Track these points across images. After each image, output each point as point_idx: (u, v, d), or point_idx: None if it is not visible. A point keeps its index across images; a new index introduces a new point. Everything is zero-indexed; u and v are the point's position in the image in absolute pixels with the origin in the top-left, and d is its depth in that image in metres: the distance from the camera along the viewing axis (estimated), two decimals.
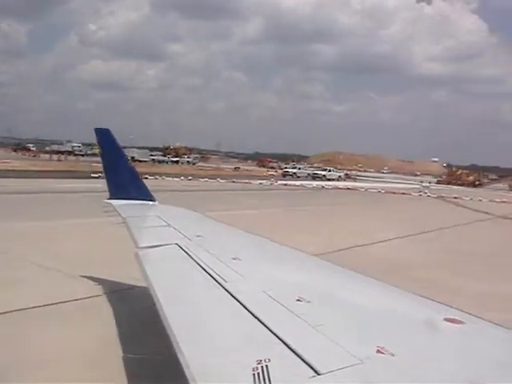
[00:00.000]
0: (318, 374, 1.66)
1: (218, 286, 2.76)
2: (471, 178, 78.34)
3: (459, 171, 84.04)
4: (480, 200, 35.12)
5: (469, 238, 15.66)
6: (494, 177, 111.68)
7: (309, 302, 2.39)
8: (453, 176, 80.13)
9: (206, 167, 58.54)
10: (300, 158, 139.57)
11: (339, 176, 58.39)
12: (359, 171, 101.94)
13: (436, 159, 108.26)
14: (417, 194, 37.48)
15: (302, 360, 1.76)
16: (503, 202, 35.47)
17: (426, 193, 38.42)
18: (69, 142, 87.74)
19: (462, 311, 2.35)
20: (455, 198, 35.61)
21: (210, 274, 2.99)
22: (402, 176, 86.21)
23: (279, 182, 39.46)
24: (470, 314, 2.35)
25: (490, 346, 2.04)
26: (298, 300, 2.39)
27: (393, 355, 1.76)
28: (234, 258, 3.30)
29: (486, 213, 25.27)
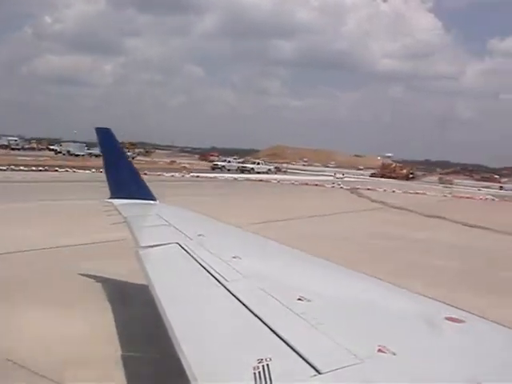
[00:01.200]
0: (319, 373, 1.66)
1: (219, 284, 2.77)
2: (404, 171, 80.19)
3: (393, 164, 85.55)
4: (393, 191, 36.56)
5: (329, 225, 15.99)
6: (442, 171, 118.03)
7: (309, 300, 2.39)
8: (387, 169, 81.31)
9: (142, 161, 59.21)
10: (249, 153, 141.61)
11: (268, 169, 58.54)
12: (303, 165, 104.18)
13: (390, 154, 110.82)
14: (330, 186, 38.35)
15: (303, 359, 1.76)
16: (416, 193, 36.85)
17: (339, 184, 39.54)
18: (9, 136, 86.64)
19: (462, 310, 2.35)
20: (368, 189, 36.63)
21: (210, 273, 2.99)
22: (343, 170, 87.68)
23: (191, 174, 39.63)
24: (470, 313, 2.35)
25: (491, 345, 2.04)
26: (299, 299, 2.39)
27: (394, 354, 1.76)
28: (234, 257, 3.30)
29: (382, 202, 26.26)
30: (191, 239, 4.00)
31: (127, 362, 4.56)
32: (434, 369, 1.74)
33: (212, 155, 70.39)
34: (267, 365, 1.72)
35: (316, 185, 38.29)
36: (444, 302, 2.51)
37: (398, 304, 2.64)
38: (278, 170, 61.77)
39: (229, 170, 53.65)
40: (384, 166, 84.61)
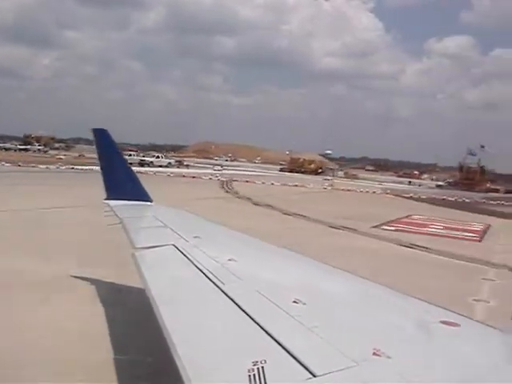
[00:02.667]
0: (314, 376, 1.66)
1: (214, 287, 2.76)
2: (312, 165, 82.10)
3: (301, 159, 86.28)
4: (272, 184, 38.33)
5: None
6: (370, 168, 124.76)
7: (305, 303, 2.39)
8: (295, 164, 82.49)
9: (55, 155, 59.62)
10: (179, 149, 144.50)
11: (169, 162, 59.16)
12: (226, 160, 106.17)
13: (329, 151, 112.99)
14: (207, 178, 39.04)
15: (298, 362, 1.76)
16: (295, 185, 38.38)
17: (216, 176, 40.32)
18: None
19: (457, 314, 2.36)
20: (246, 181, 38.05)
21: (206, 275, 2.99)
22: (266, 166, 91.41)
23: (66, 166, 39.37)
24: (465, 316, 2.35)
25: (485, 349, 2.05)
26: (295, 302, 2.39)
27: (389, 357, 1.76)
28: (230, 260, 3.29)
29: (235, 192, 27.56)
30: (187, 241, 3.99)
31: None
32: (428, 372, 1.74)
33: (130, 150, 70.76)
34: (262, 367, 1.72)
35: (193, 177, 39.05)
36: (440, 306, 2.51)
37: (394, 307, 2.64)
38: (180, 164, 62.42)
39: (131, 163, 53.01)
40: (292, 161, 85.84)
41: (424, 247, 12.75)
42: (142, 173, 37.26)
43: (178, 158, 70.70)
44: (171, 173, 41.26)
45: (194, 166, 61.61)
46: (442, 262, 11.35)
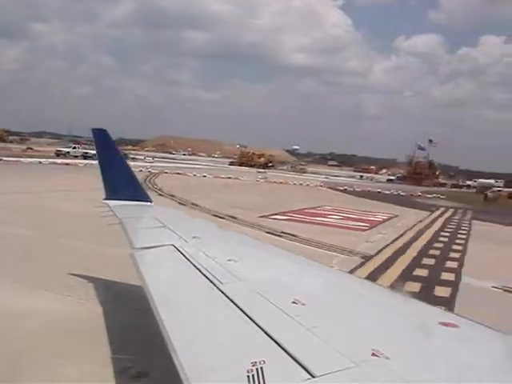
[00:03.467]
0: (313, 377, 1.66)
1: (214, 287, 2.76)
2: (262, 159, 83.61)
3: (250, 152, 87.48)
4: (204, 176, 39.32)
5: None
6: (333, 163, 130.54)
7: (304, 304, 2.39)
8: (245, 157, 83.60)
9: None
10: (138, 143, 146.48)
11: (94, 154, 58.67)
12: (184, 154, 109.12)
13: (297, 147, 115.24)
14: (137, 170, 38.55)
15: (297, 362, 1.76)
16: (228, 177, 40.07)
17: (147, 168, 40.37)
18: None
19: (457, 315, 2.36)
20: (177, 173, 38.83)
21: (205, 276, 2.99)
22: (216, 159, 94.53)
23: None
24: (464, 317, 2.35)
25: (485, 350, 2.04)
26: (294, 302, 2.39)
27: (388, 358, 1.76)
28: (229, 260, 3.29)
29: (153, 184, 27.15)
30: (186, 241, 3.99)
31: None
32: (427, 373, 1.74)
33: (84, 143, 71.23)
34: (261, 368, 1.72)
35: None
36: (439, 307, 2.52)
37: (393, 308, 2.64)
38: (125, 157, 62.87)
39: (76, 156, 53.16)
40: (242, 155, 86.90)
41: (292, 235, 12.81)
42: (71, 164, 38.47)
43: (125, 152, 70.47)
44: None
45: (139, 160, 61.41)
46: (294, 249, 10.90)
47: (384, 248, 12.20)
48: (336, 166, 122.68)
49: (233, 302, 2.47)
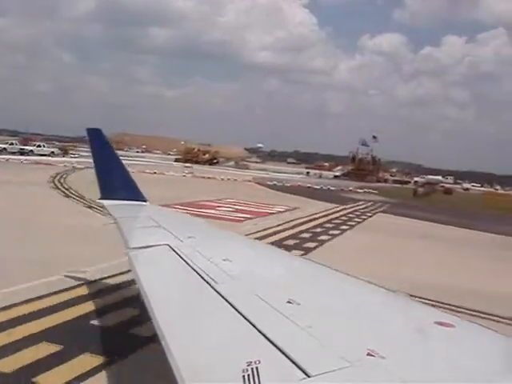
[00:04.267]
0: (309, 377, 1.65)
1: (209, 287, 2.75)
2: (206, 156, 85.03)
3: (195, 149, 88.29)
4: (132, 172, 38.73)
5: None
6: (292, 161, 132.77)
7: (299, 304, 2.38)
8: (190, 154, 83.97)
9: None
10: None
11: (52, 152, 59.72)
12: (137, 152, 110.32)
13: (261, 145, 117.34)
14: (62, 165, 39.57)
15: (293, 362, 1.75)
16: (153, 173, 39.56)
17: (72, 164, 40.94)
18: None
19: (452, 315, 2.36)
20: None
21: (200, 275, 2.98)
22: (166, 157, 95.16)
23: None
24: (460, 317, 2.35)
25: (480, 350, 2.05)
26: (289, 302, 2.38)
27: (383, 358, 1.76)
28: (224, 260, 3.28)
29: (60, 179, 27.19)
30: (182, 241, 3.98)
31: None
32: (423, 373, 1.74)
33: (35, 140, 71.20)
34: (256, 367, 1.71)
35: (49, 164, 39.67)
36: (434, 307, 2.52)
37: (388, 308, 2.64)
38: (65, 153, 63.20)
39: (13, 152, 53.29)
40: (186, 152, 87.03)
41: None
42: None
43: (66, 148, 70.43)
44: (35, 161, 41.70)
45: (82, 156, 61.20)
46: None
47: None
48: (295, 163, 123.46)
49: (228, 301, 2.46)
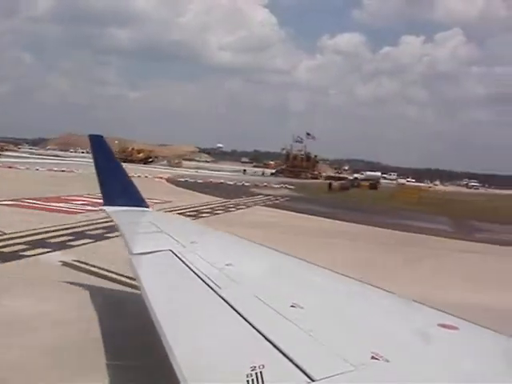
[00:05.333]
0: (313, 381, 1.65)
1: (212, 292, 2.75)
2: (141, 155, 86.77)
3: (129, 148, 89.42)
4: (37, 169, 39.12)
5: None
6: (246, 160, 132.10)
7: (302, 307, 2.38)
8: (124, 153, 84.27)
9: None
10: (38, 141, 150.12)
11: None
12: (82, 152, 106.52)
13: (221, 145, 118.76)
14: None
15: (297, 366, 1.75)
16: (62, 170, 40.19)
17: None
18: None
19: (456, 317, 2.35)
20: (9, 167, 38.60)
21: (203, 280, 2.98)
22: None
23: None
24: (463, 319, 2.35)
25: (484, 352, 2.04)
26: (292, 306, 2.38)
27: (387, 361, 1.75)
28: (227, 264, 3.28)
29: None
30: (184, 246, 3.98)
31: None
32: (427, 376, 1.73)
33: None
34: (260, 372, 1.71)
35: None
36: (438, 309, 2.51)
37: (392, 310, 2.63)
38: None
39: None
40: (122, 150, 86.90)
41: None
42: None
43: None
44: None
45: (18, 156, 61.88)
46: None
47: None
48: (248, 162, 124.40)
49: (231, 306, 2.46)
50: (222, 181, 44.10)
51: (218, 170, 71.48)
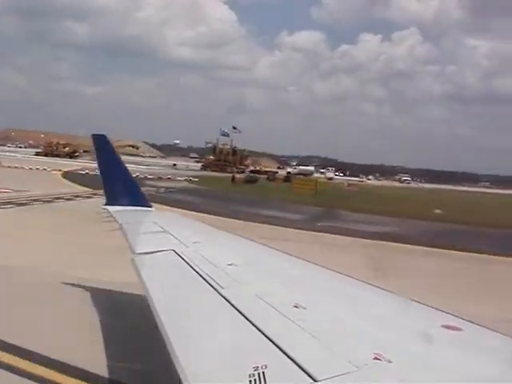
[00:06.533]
0: (316, 381, 1.65)
1: (214, 292, 2.75)
2: (67, 149, 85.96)
3: (54, 142, 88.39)
4: None
5: None
6: (194, 156, 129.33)
7: (305, 308, 2.38)
8: (50, 147, 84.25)
9: None
10: None
11: None
12: (23, 147, 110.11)
13: (178, 141, 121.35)
14: None
15: (299, 367, 1.75)
16: None
17: None
18: None
19: (459, 318, 2.34)
20: None
21: (206, 280, 2.98)
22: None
23: None
24: (467, 320, 2.34)
25: (488, 353, 2.03)
26: (295, 306, 2.38)
27: (390, 362, 1.75)
28: (230, 264, 3.28)
29: None
30: (187, 246, 3.98)
31: None
32: (430, 377, 1.73)
33: None
34: (263, 372, 1.71)
35: None
36: (441, 310, 2.50)
37: (394, 311, 2.63)
38: None
39: None
40: (47, 145, 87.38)
41: None
42: None
43: None
44: None
45: None
46: None
47: None
48: (197, 158, 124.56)
49: (234, 306, 2.46)
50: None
51: (149, 165, 69.51)
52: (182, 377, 1.77)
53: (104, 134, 6.88)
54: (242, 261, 3.63)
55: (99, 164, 6.81)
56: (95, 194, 23.38)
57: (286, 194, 33.92)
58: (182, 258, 3.58)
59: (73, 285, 7.99)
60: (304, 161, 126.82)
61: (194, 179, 44.27)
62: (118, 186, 6.58)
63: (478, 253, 15.04)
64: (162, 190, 31.05)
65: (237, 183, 45.22)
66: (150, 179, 39.83)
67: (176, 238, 4.34)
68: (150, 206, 6.53)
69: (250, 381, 1.66)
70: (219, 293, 2.71)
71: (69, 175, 37.50)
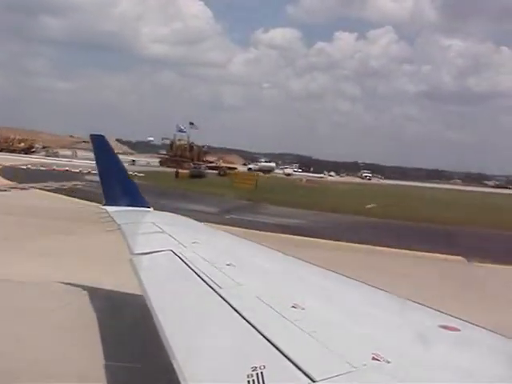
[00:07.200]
0: (314, 381, 1.65)
1: (213, 292, 2.75)
2: (22, 144, 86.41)
3: (10, 138, 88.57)
4: None
5: None
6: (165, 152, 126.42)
7: (303, 308, 2.38)
8: (6, 143, 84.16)
9: None
10: None
11: None
12: None
13: (151, 138, 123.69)
14: None
15: (297, 367, 1.75)
16: None
17: None
18: None
19: (457, 318, 2.35)
20: None
21: (204, 281, 2.97)
22: None
23: None
24: (465, 321, 2.34)
25: (486, 354, 2.04)
26: (293, 307, 2.38)
27: (388, 362, 1.75)
28: (228, 265, 3.28)
29: None
30: (185, 246, 3.98)
31: None
32: (428, 377, 1.73)
33: None
34: (261, 373, 1.71)
35: None
36: (439, 311, 2.51)
37: (393, 311, 2.63)
38: None
39: None
40: (4, 140, 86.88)
41: None
42: None
43: None
44: None
45: None
46: None
47: None
48: (167, 155, 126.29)
49: (232, 306, 2.46)
50: (67, 168, 44.25)
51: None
52: (180, 377, 1.77)
53: (102, 134, 6.87)
54: (240, 261, 3.62)
55: (97, 164, 6.79)
56: (14, 188, 23.48)
57: (224, 189, 33.55)
58: (180, 259, 3.58)
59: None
60: (277, 158, 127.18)
61: (138, 174, 42.49)
62: (117, 186, 6.57)
63: (364, 244, 14.61)
64: (94, 184, 30.31)
65: (181, 178, 44.89)
66: (87, 174, 38.31)
67: (174, 239, 4.33)
68: (149, 207, 6.52)
69: (249, 381, 1.66)
70: (217, 293, 2.71)
71: (12, 170, 37.05)
